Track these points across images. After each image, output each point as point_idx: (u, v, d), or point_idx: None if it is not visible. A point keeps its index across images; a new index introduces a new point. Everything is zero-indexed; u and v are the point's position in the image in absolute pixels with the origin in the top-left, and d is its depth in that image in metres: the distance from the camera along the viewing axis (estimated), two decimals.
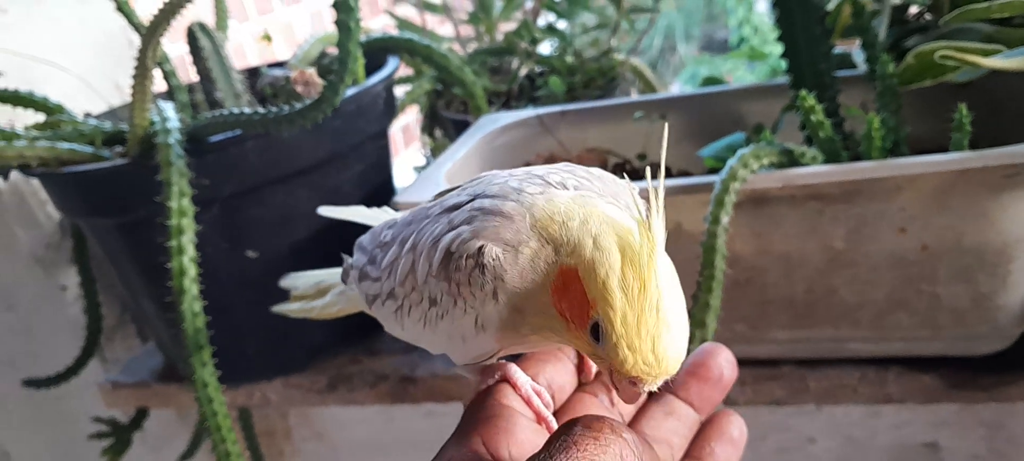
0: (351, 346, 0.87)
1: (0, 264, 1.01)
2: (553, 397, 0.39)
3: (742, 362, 0.72)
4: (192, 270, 0.63)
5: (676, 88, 2.63)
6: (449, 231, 0.35)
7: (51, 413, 1.12)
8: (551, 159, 0.82)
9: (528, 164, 0.82)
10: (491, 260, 0.33)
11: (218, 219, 0.73)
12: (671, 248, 0.66)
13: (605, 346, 0.31)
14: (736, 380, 0.71)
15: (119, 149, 0.74)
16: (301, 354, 0.86)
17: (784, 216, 0.62)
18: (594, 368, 0.41)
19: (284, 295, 0.80)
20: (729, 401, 0.72)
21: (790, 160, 0.61)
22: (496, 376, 0.38)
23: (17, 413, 1.16)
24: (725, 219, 0.58)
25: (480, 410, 0.37)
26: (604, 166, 0.82)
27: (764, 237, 0.64)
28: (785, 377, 0.70)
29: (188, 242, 0.63)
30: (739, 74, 2.19)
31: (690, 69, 2.64)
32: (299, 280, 0.55)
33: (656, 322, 0.31)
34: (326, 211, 0.51)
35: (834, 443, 0.93)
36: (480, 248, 0.33)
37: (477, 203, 0.35)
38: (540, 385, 0.38)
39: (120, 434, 0.97)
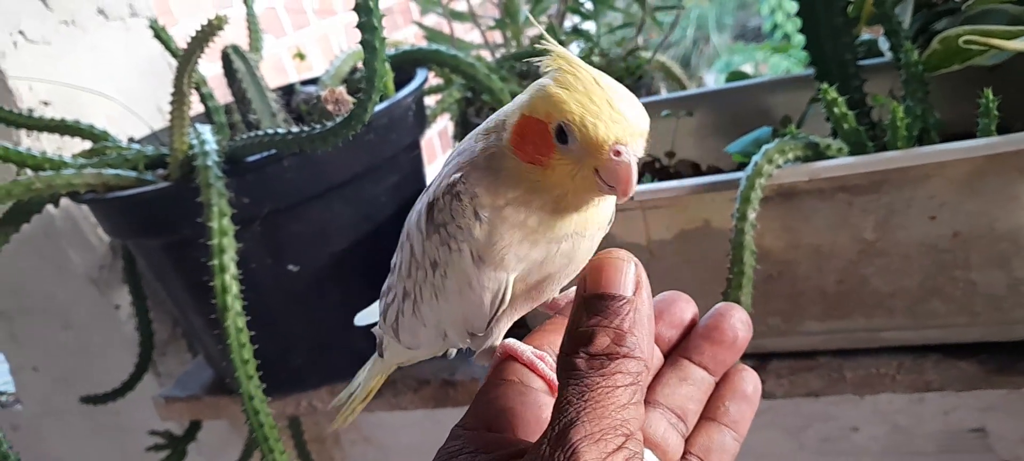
0: None
1: (56, 285, 1.05)
2: None
3: (778, 355, 0.73)
4: (234, 287, 0.65)
5: (710, 79, 2.61)
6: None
7: (109, 427, 1.16)
8: None
9: None
10: (461, 184, 0.36)
11: (259, 236, 0.75)
12: (699, 246, 0.67)
13: (572, 135, 0.32)
14: (773, 372, 0.72)
15: (161, 172, 0.77)
16: (345, 362, 0.87)
17: (813, 209, 0.62)
18: None
19: (328, 305, 0.82)
20: (766, 394, 0.72)
21: (816, 153, 0.61)
22: (499, 354, 0.39)
23: (76, 427, 1.20)
24: (752, 215, 0.58)
25: (487, 391, 0.37)
26: None
27: (794, 231, 0.64)
28: (821, 368, 0.70)
29: (229, 260, 0.65)
30: (773, 62, 2.18)
31: (724, 58, 2.62)
32: (343, 392, 0.57)
33: (602, 90, 0.33)
34: (361, 320, 0.53)
35: (879, 431, 0.92)
36: (451, 182, 0.36)
37: (445, 169, 0.38)
38: (543, 351, 0.38)
39: (176, 446, 1.01)
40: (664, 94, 0.98)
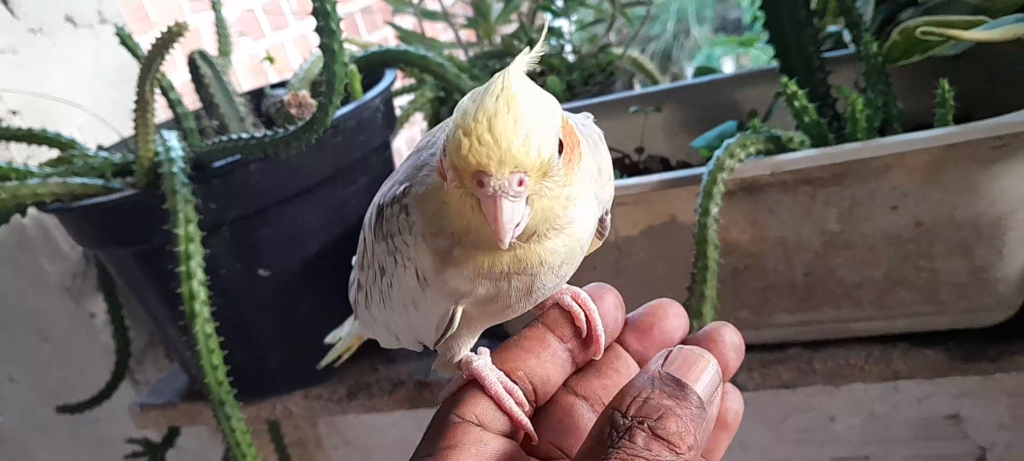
0: (368, 355, 0.89)
1: (31, 296, 1.05)
2: (535, 391, 0.34)
3: (749, 348, 0.73)
4: (202, 294, 0.65)
5: (691, 72, 2.61)
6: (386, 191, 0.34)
7: (91, 436, 1.15)
8: None
9: None
10: (407, 197, 0.32)
11: (228, 241, 0.75)
12: (666, 241, 0.67)
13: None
14: (744, 365, 0.72)
15: (129, 180, 0.77)
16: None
17: (777, 202, 0.63)
18: (600, 337, 0.35)
19: (301, 309, 0.82)
20: (739, 386, 0.73)
21: (778, 146, 0.61)
22: (463, 375, 0.34)
23: (57, 438, 1.20)
24: (715, 209, 0.59)
25: (439, 436, 0.32)
26: None
27: (760, 224, 0.64)
28: (792, 360, 0.70)
29: (197, 266, 0.65)
30: (755, 55, 2.18)
31: (705, 51, 2.63)
32: (339, 331, 0.55)
33: (495, 105, 0.27)
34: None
35: (856, 420, 0.92)
36: (403, 190, 0.32)
37: (413, 158, 0.34)
38: (515, 381, 0.34)
39: (154, 453, 1.00)
40: (637, 89, 0.98)
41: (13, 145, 0.94)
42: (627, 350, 0.36)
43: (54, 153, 0.90)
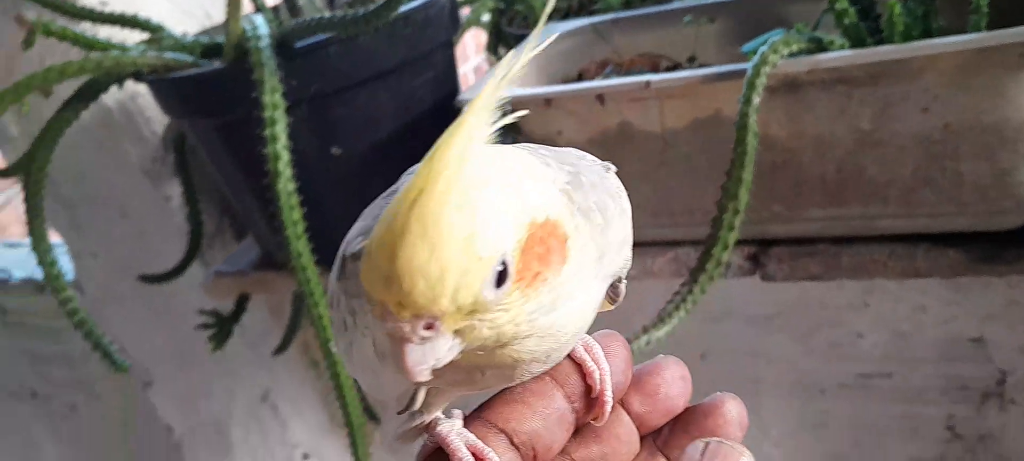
0: None
1: (114, 176, 1.13)
2: (535, 456, 0.29)
3: (780, 241, 0.78)
4: (285, 155, 0.72)
5: None
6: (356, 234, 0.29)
7: (161, 309, 1.24)
8: (604, 65, 0.88)
9: (582, 71, 0.88)
10: None
11: (306, 118, 0.82)
12: (711, 135, 0.72)
13: None
14: (775, 258, 0.77)
15: (216, 60, 0.84)
16: None
17: (815, 100, 0.67)
18: (608, 403, 0.31)
19: (370, 188, 0.89)
20: (767, 277, 0.78)
21: (819, 47, 0.66)
22: (427, 445, 0.30)
23: (133, 311, 1.29)
24: (756, 100, 0.63)
25: None
26: (655, 69, 0.87)
27: (797, 121, 0.69)
28: (820, 254, 0.75)
29: (281, 131, 0.72)
30: None
31: None
32: None
33: (407, 218, 0.21)
34: None
35: (882, 338, 0.96)
36: (361, 248, 0.25)
37: (384, 201, 0.29)
38: (516, 444, 0.29)
39: (222, 324, 1.09)
40: (689, 2, 1.02)
41: (104, 31, 1.02)
42: (629, 412, 0.33)
43: (139, 37, 0.97)
